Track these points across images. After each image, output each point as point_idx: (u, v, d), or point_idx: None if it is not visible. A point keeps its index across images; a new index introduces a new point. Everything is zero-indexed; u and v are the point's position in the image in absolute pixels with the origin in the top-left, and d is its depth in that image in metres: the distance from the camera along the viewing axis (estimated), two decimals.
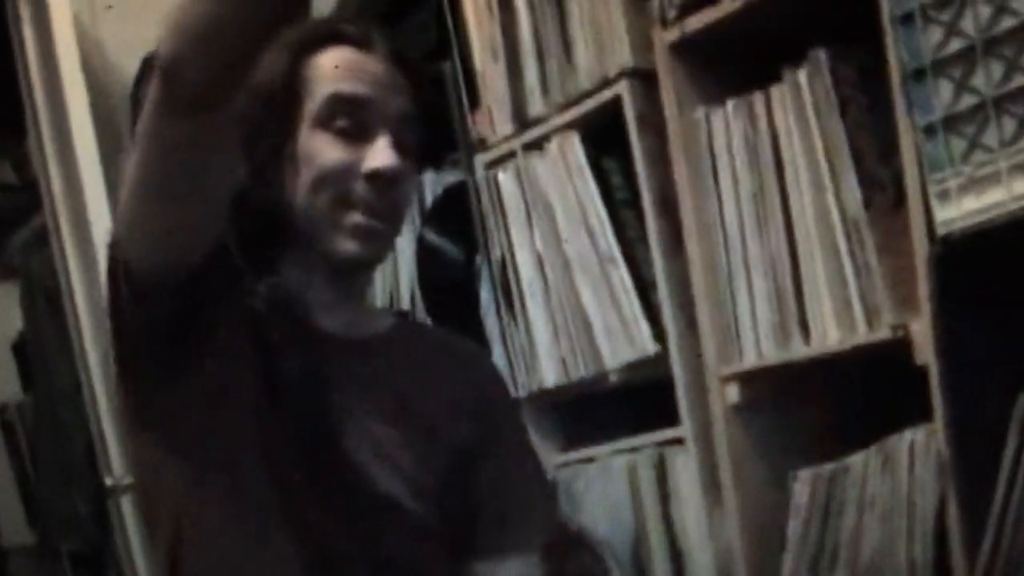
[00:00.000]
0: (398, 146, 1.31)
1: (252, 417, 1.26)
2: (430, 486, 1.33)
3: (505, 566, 1.39)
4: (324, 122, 1.30)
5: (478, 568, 1.39)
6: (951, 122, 1.62)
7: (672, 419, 2.11)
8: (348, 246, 1.30)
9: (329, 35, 1.34)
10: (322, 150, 1.29)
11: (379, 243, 1.34)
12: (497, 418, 1.43)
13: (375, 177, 1.29)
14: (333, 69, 1.31)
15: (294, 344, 1.29)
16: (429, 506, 1.33)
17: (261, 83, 1.26)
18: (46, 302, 3.51)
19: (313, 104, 1.30)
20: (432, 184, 2.55)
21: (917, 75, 1.64)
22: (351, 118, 1.30)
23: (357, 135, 1.30)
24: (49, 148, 2.94)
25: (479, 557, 1.39)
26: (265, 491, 1.25)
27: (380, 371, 1.34)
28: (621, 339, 2.17)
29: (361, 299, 1.42)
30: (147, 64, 2.78)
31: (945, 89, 1.61)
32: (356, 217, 1.29)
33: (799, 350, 1.90)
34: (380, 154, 1.29)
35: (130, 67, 2.88)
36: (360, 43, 1.33)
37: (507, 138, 2.34)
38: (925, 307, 1.69)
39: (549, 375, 2.31)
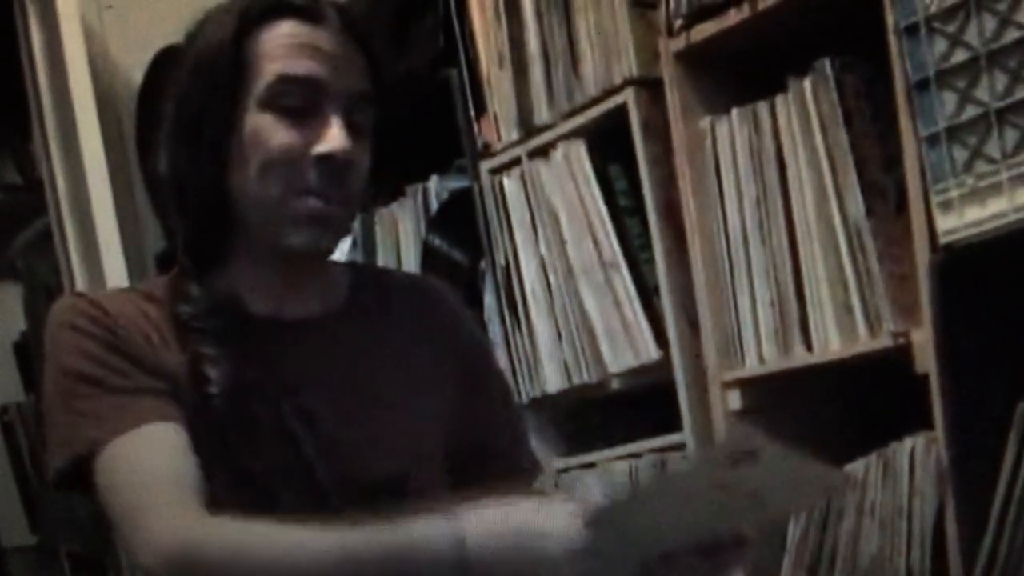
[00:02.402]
0: (351, 127, 1.24)
1: (202, 428, 1.21)
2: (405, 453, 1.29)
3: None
4: (270, 103, 1.23)
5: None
6: (954, 132, 1.63)
7: (673, 425, 2.12)
8: (299, 236, 1.24)
9: (275, 6, 1.25)
10: (270, 133, 1.22)
11: (332, 231, 1.27)
12: (472, 364, 1.38)
13: (327, 161, 1.22)
14: (280, 46, 1.23)
15: (229, 343, 1.23)
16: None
17: (203, 60, 1.23)
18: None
19: (259, 84, 1.23)
20: (437, 189, 2.56)
21: (921, 85, 1.65)
22: (300, 98, 1.23)
23: (307, 116, 1.23)
24: (54, 148, 2.94)
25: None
26: (235, 493, 1.20)
27: (327, 350, 1.29)
28: (623, 344, 2.18)
29: (314, 285, 1.32)
30: (157, 62, 2.81)
31: (949, 100, 1.63)
32: (308, 203, 1.23)
33: (800, 356, 1.91)
34: (332, 137, 1.22)
35: (136, 66, 2.89)
36: (309, 15, 1.25)
37: (512, 144, 2.36)
38: (926, 316, 1.70)
39: (552, 380, 2.31)
